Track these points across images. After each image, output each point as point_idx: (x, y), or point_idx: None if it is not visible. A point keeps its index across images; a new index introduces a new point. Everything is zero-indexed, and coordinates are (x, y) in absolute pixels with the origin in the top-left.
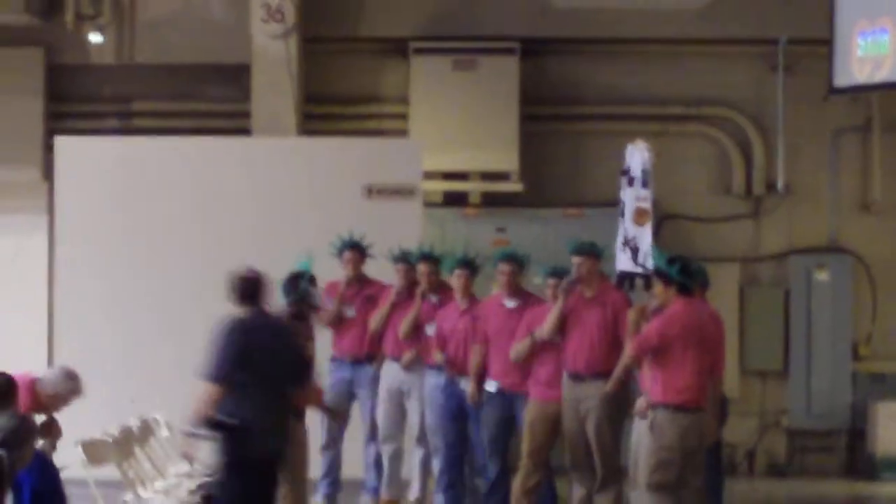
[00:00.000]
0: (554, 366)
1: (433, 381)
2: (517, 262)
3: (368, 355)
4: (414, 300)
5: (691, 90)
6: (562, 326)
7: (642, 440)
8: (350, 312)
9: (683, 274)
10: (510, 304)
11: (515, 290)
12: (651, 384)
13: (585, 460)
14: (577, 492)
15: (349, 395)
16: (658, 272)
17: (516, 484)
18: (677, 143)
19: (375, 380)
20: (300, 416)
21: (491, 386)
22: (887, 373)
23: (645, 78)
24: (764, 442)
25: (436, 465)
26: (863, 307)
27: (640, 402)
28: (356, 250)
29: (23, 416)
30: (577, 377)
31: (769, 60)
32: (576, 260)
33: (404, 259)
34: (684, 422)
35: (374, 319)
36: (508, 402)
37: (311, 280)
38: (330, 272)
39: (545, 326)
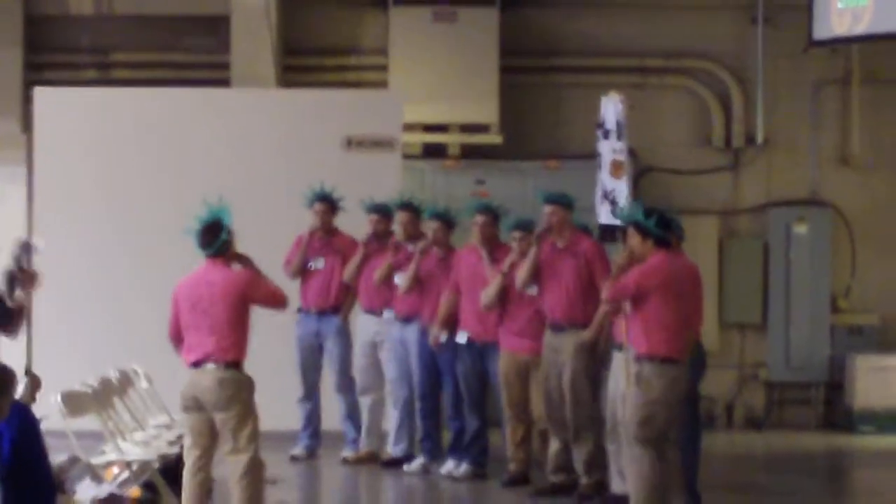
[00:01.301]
0: (524, 317)
1: (400, 332)
2: (491, 213)
3: (334, 307)
4: (385, 251)
5: (671, 42)
6: (536, 278)
7: (624, 392)
8: (317, 264)
9: (661, 226)
10: (483, 254)
11: (489, 240)
12: (635, 338)
13: (561, 413)
14: (555, 444)
15: (318, 348)
16: (636, 225)
17: (507, 438)
18: (657, 95)
19: (341, 330)
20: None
21: (461, 337)
22: (865, 325)
23: (625, 30)
24: (742, 395)
25: (394, 415)
26: (841, 260)
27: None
28: (326, 202)
29: (0, 367)
30: (557, 327)
31: (749, 12)
32: (546, 209)
33: (376, 209)
34: (671, 374)
35: (348, 270)
36: (479, 353)
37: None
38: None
39: (519, 276)
